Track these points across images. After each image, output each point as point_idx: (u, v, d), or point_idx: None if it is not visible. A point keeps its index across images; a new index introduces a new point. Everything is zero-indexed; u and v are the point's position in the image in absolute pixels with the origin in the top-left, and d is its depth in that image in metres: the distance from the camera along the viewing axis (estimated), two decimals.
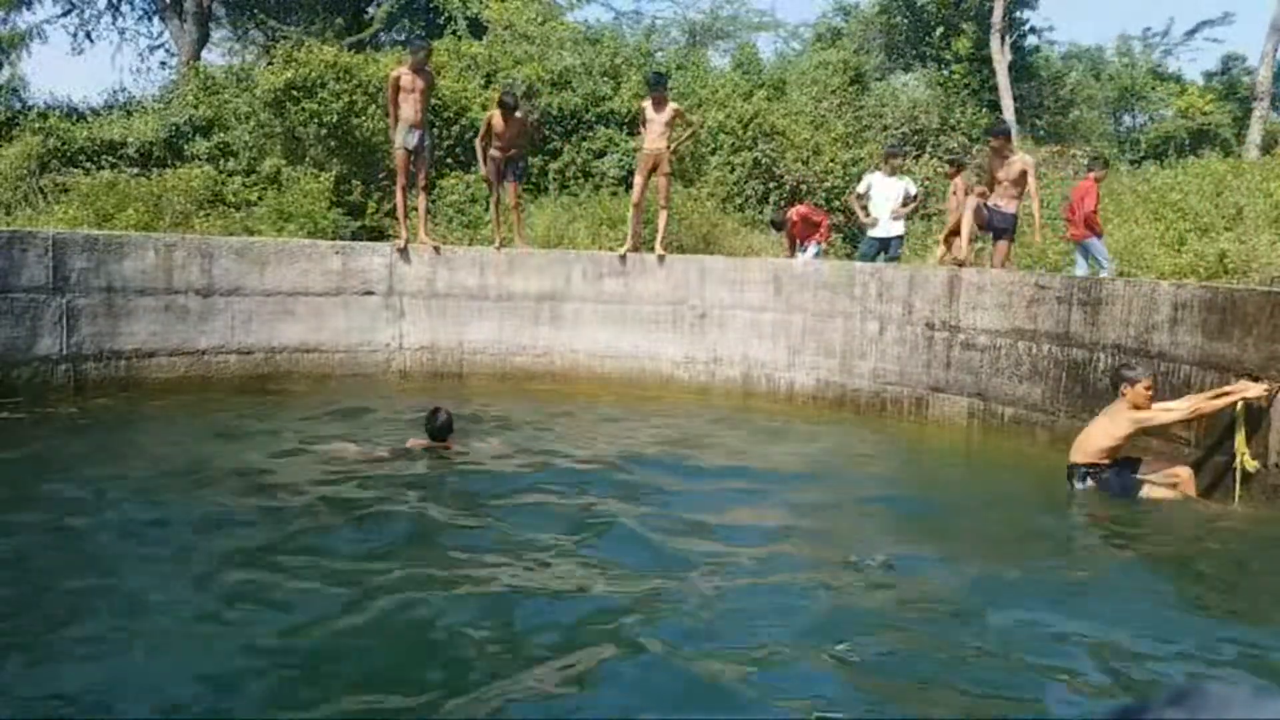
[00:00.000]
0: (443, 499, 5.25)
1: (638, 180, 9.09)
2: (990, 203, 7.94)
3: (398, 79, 8.69)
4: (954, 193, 9.89)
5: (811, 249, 10.19)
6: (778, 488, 5.66)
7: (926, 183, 13.78)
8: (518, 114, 9.17)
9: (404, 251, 8.89)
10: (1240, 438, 5.25)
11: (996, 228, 8.03)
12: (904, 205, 9.50)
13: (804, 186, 14.16)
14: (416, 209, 9.16)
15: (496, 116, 9.04)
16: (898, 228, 9.54)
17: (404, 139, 8.73)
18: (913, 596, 4.03)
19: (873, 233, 9.57)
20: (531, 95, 14.11)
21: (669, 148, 8.88)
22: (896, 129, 16.15)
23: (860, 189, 9.73)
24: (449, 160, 13.55)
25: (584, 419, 7.62)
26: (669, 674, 3.17)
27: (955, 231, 9.11)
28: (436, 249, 9.05)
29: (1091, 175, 9.20)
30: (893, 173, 9.56)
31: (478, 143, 9.28)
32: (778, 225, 10.65)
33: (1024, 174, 7.82)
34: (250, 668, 3.16)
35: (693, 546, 4.47)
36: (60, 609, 3.58)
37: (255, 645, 3.31)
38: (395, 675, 3.16)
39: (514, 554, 4.27)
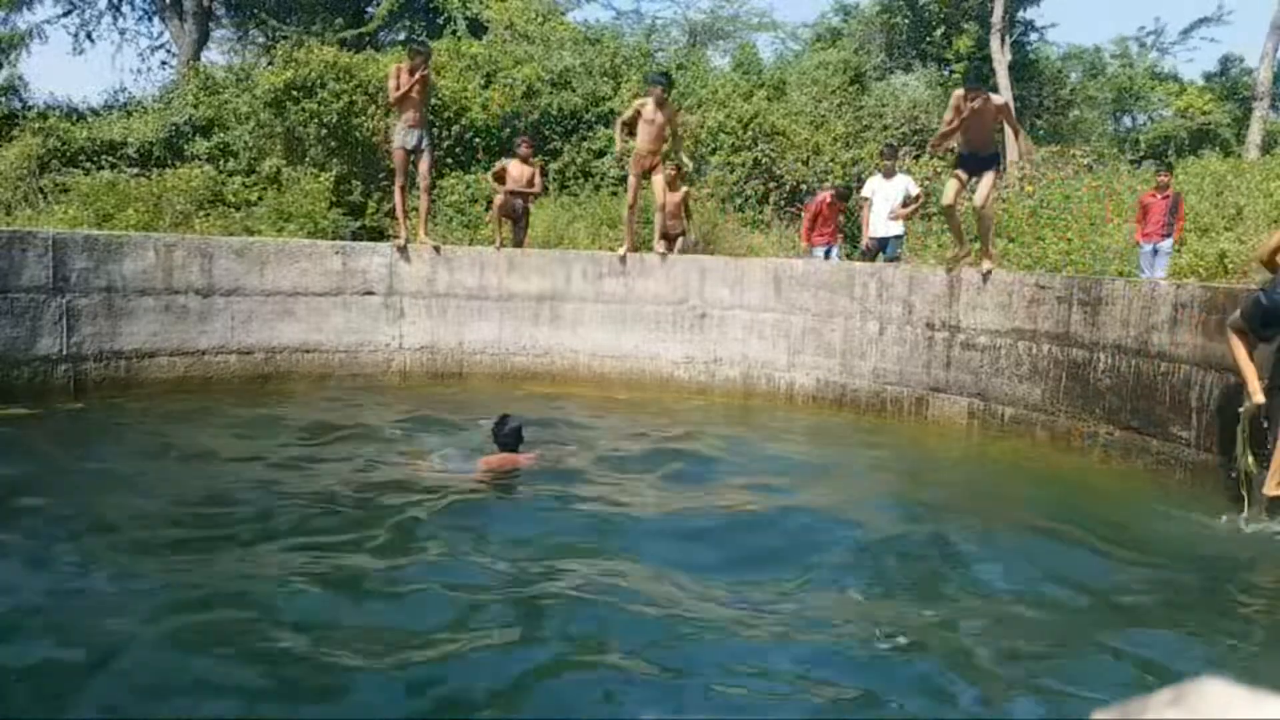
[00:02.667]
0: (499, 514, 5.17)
1: (632, 181, 8.91)
2: (967, 152, 7.42)
3: (398, 71, 8.71)
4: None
5: (821, 250, 10.13)
6: (801, 490, 5.66)
7: (927, 183, 13.78)
8: (533, 160, 9.84)
9: (403, 250, 8.89)
10: (1242, 439, 5.23)
11: (982, 165, 7.36)
12: (904, 205, 9.49)
13: (804, 186, 14.17)
14: (417, 209, 9.16)
15: (515, 164, 9.63)
16: (896, 228, 9.54)
17: (402, 139, 8.74)
18: (903, 593, 4.03)
19: (871, 232, 9.59)
20: (532, 95, 14.12)
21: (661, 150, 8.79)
22: (896, 129, 16.16)
23: (865, 193, 9.75)
24: (449, 160, 13.56)
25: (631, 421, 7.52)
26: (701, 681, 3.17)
27: (665, 235, 9.29)
28: (436, 249, 9.05)
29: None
30: (889, 174, 9.55)
31: (496, 191, 9.67)
32: (810, 191, 10.61)
33: (998, 111, 7.23)
34: (244, 673, 3.16)
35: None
36: (64, 609, 3.58)
37: (249, 649, 3.31)
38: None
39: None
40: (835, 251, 10.15)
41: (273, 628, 3.46)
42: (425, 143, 8.86)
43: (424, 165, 8.87)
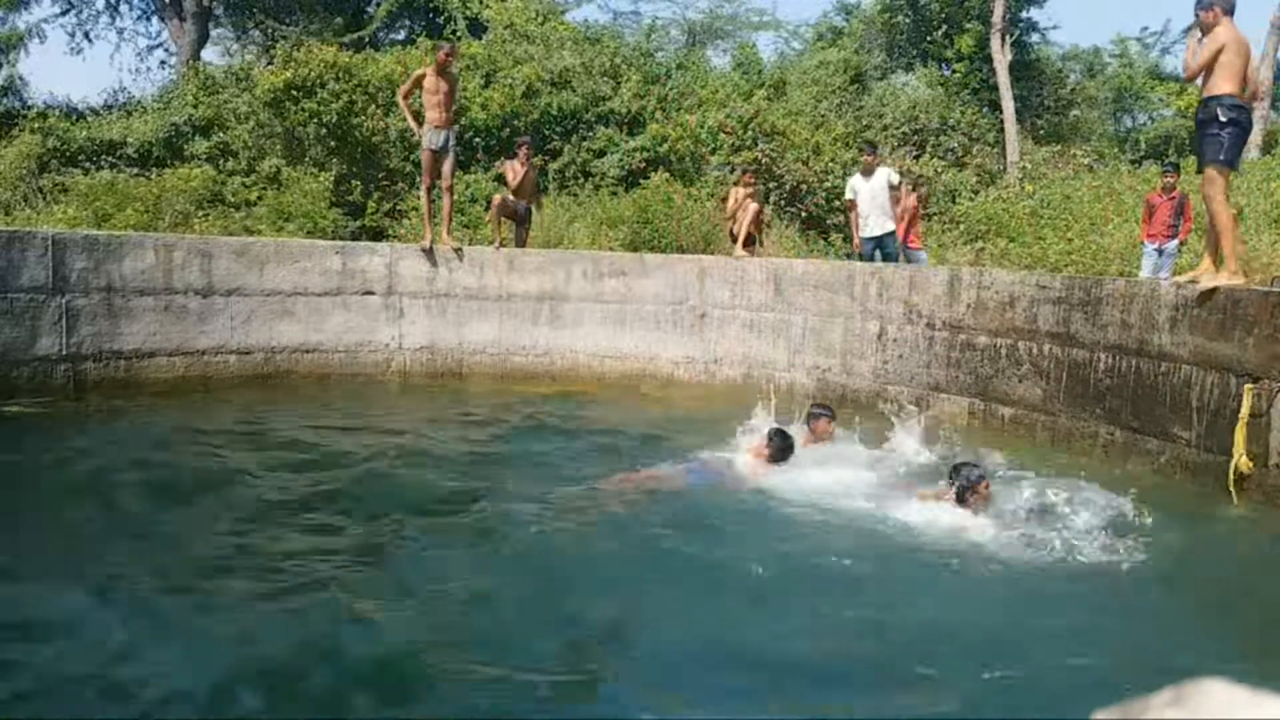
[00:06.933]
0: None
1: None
2: None
3: (420, 77, 8.73)
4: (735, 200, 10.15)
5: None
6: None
7: (926, 181, 13.78)
8: (532, 162, 9.81)
9: (429, 252, 8.87)
10: (1240, 437, 5.23)
11: None
12: (892, 198, 9.42)
13: (804, 186, 14.16)
14: (436, 208, 9.13)
15: (517, 165, 9.55)
16: (889, 224, 9.46)
17: (429, 139, 8.73)
18: (885, 588, 4.03)
19: (866, 232, 9.52)
20: (532, 95, 14.10)
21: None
22: (896, 129, 16.16)
23: (848, 194, 9.73)
24: None
25: None
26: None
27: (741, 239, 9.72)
28: (458, 250, 9.02)
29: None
30: (869, 171, 9.48)
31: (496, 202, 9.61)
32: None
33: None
34: (242, 673, 3.15)
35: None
36: (68, 610, 3.57)
37: (241, 649, 3.30)
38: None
39: None
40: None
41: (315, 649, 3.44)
42: (451, 143, 8.87)
43: (447, 166, 8.87)
